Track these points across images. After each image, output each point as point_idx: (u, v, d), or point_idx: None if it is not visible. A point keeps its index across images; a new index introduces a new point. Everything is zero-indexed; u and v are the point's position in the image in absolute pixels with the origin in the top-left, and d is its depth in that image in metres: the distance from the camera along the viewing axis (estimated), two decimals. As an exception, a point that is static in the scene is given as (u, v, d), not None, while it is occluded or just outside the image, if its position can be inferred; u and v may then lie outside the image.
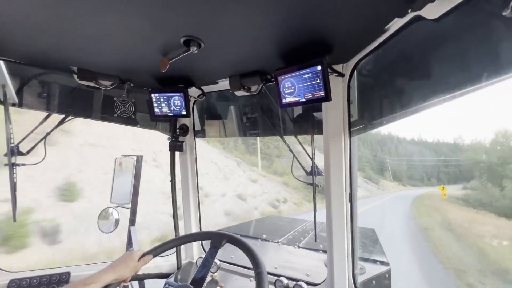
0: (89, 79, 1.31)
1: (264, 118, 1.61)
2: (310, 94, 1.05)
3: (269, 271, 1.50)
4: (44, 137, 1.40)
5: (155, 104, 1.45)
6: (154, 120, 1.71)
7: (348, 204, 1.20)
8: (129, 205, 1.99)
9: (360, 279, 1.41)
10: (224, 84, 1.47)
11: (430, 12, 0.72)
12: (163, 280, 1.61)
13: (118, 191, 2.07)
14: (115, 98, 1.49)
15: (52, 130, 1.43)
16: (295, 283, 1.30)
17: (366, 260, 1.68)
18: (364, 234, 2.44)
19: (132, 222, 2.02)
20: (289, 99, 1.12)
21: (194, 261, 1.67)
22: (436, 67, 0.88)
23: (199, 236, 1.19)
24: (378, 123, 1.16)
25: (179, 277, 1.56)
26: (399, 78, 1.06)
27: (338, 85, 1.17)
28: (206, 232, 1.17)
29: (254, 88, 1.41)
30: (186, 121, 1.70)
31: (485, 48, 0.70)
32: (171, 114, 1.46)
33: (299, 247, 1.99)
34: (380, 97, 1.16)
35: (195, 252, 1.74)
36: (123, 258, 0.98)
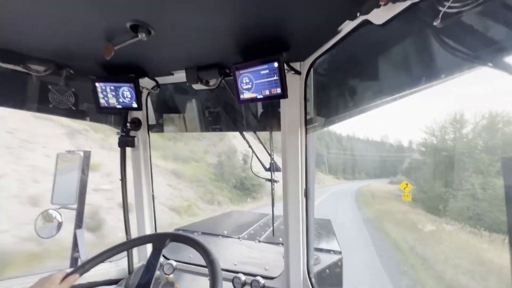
0: (15, 62, 1.11)
1: (225, 113, 1.57)
2: (268, 91, 1.04)
3: (228, 268, 1.49)
4: None
5: (100, 95, 1.30)
6: (101, 113, 1.54)
7: (304, 199, 1.24)
8: (75, 206, 1.80)
9: (315, 269, 1.49)
10: (180, 76, 1.38)
11: (377, 17, 0.76)
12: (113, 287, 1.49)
13: (61, 190, 1.85)
14: (50, 87, 1.29)
15: None
16: (252, 278, 1.31)
17: (321, 250, 1.78)
18: (321, 225, 2.58)
19: (78, 224, 1.83)
20: (247, 95, 1.10)
21: None
22: (383, 70, 0.94)
23: (138, 242, 1.10)
24: (332, 121, 1.21)
25: (130, 283, 1.46)
26: (351, 78, 1.11)
27: (295, 83, 1.18)
28: (145, 236, 1.10)
29: (212, 82, 1.35)
30: (139, 114, 1.57)
31: (423, 54, 0.77)
32: (120, 106, 1.33)
33: (259, 241, 2.02)
34: (334, 96, 1.21)
35: (149, 253, 1.64)
36: (39, 283, 0.85)
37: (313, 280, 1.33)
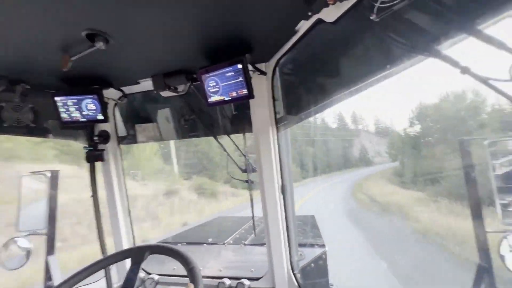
0: None
1: (198, 119, 1.56)
2: (235, 92, 1.06)
3: (213, 275, 1.47)
4: None
5: (61, 109, 1.24)
6: (64, 128, 1.46)
7: (281, 195, 1.26)
8: (45, 231, 1.68)
9: (299, 265, 1.51)
10: (147, 85, 1.36)
11: (328, 15, 0.80)
12: None
13: (28, 215, 1.73)
14: (3, 104, 1.21)
15: None
16: (237, 281, 1.30)
17: (305, 245, 1.81)
18: (305, 221, 2.62)
19: (49, 251, 1.71)
20: (214, 98, 1.11)
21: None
22: (341, 65, 0.99)
23: (115, 258, 1.02)
24: (301, 117, 1.25)
25: None
26: (315, 75, 1.16)
27: (262, 84, 1.21)
28: (122, 251, 1.03)
29: (181, 88, 1.34)
30: (107, 127, 1.51)
31: (371, 48, 0.82)
32: (84, 119, 1.27)
33: (244, 244, 2.01)
34: (301, 93, 1.26)
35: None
36: None
37: (298, 275, 1.34)
